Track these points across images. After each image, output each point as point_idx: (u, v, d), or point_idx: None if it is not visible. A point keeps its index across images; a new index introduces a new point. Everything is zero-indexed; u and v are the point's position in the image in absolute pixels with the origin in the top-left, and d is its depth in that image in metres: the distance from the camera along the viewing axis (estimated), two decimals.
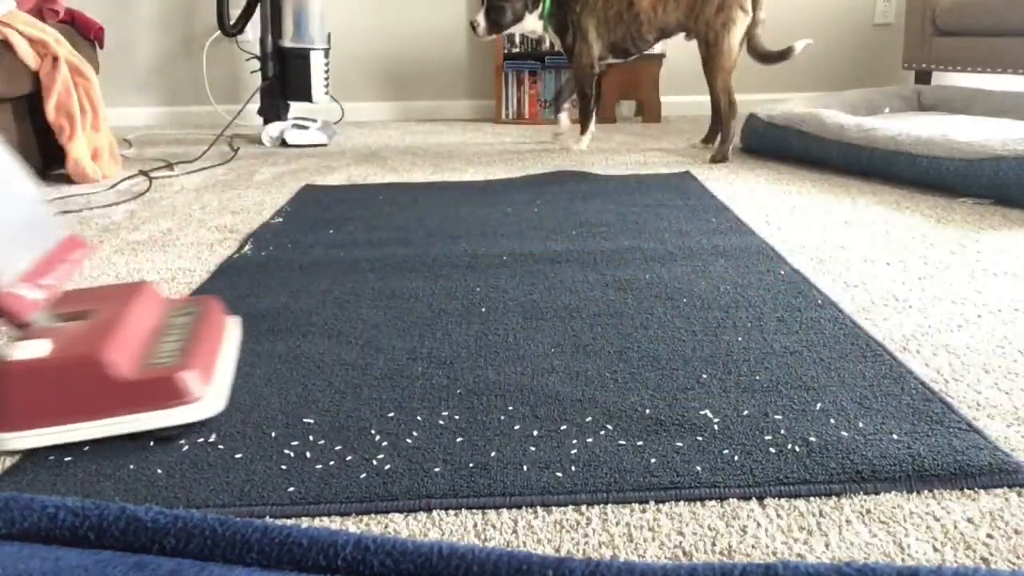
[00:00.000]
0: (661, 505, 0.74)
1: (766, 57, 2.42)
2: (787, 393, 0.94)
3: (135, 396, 0.85)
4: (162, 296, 1.07)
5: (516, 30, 2.54)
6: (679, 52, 3.21)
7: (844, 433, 0.84)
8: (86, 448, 0.85)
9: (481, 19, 2.49)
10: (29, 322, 0.87)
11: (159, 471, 0.81)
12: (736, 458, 0.80)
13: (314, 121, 2.92)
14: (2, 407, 0.84)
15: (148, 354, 0.91)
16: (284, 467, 0.81)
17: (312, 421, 0.90)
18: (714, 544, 0.69)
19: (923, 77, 3.17)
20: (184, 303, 1.07)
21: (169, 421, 0.85)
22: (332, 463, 0.81)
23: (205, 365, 0.91)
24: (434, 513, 0.74)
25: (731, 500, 0.75)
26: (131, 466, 0.82)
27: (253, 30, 3.05)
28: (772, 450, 0.82)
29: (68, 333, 0.90)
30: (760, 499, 0.75)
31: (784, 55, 2.37)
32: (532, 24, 2.54)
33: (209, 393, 0.88)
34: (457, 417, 0.90)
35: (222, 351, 0.99)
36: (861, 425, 0.86)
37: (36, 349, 0.85)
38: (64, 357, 0.85)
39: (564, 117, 2.73)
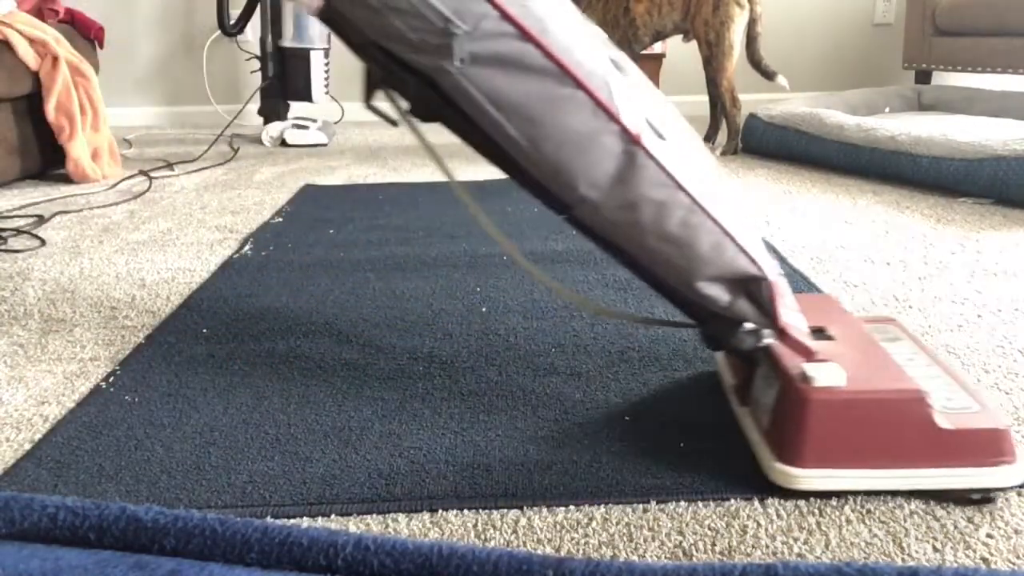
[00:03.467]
0: (661, 505, 0.74)
1: (758, 65, 2.44)
2: None
3: (950, 447, 0.72)
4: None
5: None
6: (679, 52, 3.21)
7: None
8: (86, 448, 0.85)
9: None
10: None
11: (159, 471, 0.81)
12: (738, 457, 0.80)
13: (314, 121, 2.92)
14: (797, 438, 0.74)
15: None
16: (285, 467, 0.81)
17: (313, 421, 0.90)
18: (714, 544, 0.69)
19: (923, 77, 3.17)
20: (871, 321, 0.94)
21: (991, 482, 0.72)
22: (333, 463, 0.81)
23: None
24: (435, 513, 0.74)
25: (731, 500, 0.75)
26: (131, 466, 0.82)
27: (253, 30, 3.06)
28: None
29: (844, 358, 0.78)
30: (761, 499, 0.75)
31: (768, 77, 2.42)
32: None
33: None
34: (459, 417, 0.90)
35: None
36: None
37: (832, 376, 0.74)
38: (883, 391, 0.74)
39: None
